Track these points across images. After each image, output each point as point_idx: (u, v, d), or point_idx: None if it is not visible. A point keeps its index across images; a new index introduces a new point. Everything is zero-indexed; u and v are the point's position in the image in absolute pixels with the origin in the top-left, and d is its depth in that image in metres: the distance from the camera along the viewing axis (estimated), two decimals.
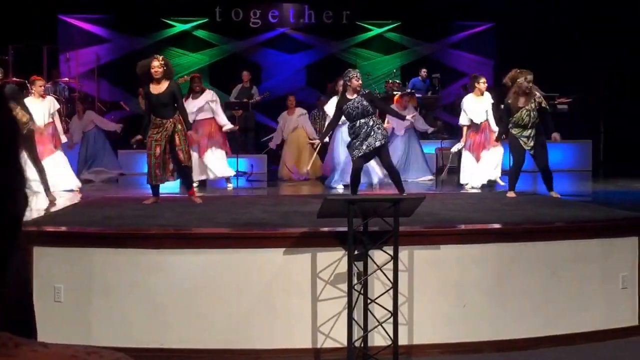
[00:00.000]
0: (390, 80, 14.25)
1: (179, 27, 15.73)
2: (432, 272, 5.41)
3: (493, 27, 15.97)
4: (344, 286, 5.06)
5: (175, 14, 15.59)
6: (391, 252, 4.94)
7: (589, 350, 5.49)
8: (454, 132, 13.40)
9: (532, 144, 7.93)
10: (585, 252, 5.70)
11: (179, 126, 7.19)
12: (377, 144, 7.33)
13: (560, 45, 13.72)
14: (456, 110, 13.66)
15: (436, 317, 5.41)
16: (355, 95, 7.47)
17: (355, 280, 4.96)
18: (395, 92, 13.65)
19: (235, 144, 12.14)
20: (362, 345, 5.06)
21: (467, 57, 16.02)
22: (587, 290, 5.68)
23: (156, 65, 7.12)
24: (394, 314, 4.96)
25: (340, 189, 9.63)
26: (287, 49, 15.98)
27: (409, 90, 13.62)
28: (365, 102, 7.41)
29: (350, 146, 7.61)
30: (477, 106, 9.40)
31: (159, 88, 7.18)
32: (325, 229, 5.41)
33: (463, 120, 9.53)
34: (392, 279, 4.96)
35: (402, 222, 5.03)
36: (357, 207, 4.86)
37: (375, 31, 16.31)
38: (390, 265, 4.96)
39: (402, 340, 5.15)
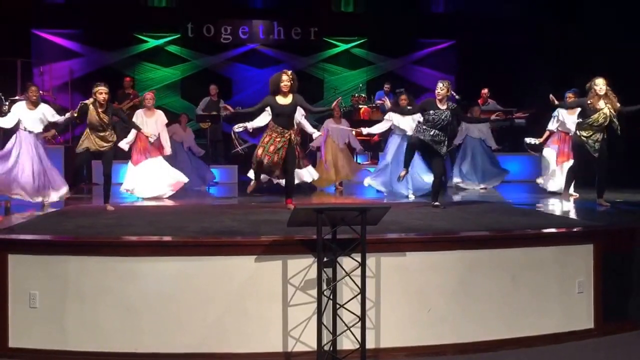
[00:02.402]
0: (356, 94, 14.56)
1: (151, 43, 15.91)
2: (398, 278, 5.56)
3: (454, 45, 16.51)
4: (314, 292, 5.20)
5: (148, 30, 15.78)
6: (359, 259, 5.09)
7: (548, 352, 5.69)
8: None
9: (597, 147, 8.22)
10: (543, 258, 5.90)
11: (297, 138, 7.85)
12: (441, 150, 7.95)
13: (517, 62, 14.16)
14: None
15: (402, 321, 5.56)
16: (445, 107, 7.93)
17: (324, 286, 5.09)
18: (361, 106, 13.99)
19: (205, 156, 12.30)
20: (331, 349, 5.19)
21: (429, 72, 16.47)
22: (545, 294, 5.88)
23: (285, 79, 7.63)
24: (362, 318, 5.10)
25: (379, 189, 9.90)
26: (257, 64, 16.23)
27: (375, 104, 13.96)
28: (450, 118, 7.94)
29: (418, 129, 8.12)
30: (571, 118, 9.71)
31: (285, 100, 7.68)
32: (296, 237, 5.53)
33: (551, 125, 10.03)
34: (359, 285, 5.10)
35: (369, 230, 5.19)
36: (325, 215, 4.99)
37: (342, 47, 16.66)
38: (358, 271, 5.10)
39: (370, 344, 5.31)
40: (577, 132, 8.36)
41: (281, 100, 7.73)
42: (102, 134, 7.77)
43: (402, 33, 16.04)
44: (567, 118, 9.78)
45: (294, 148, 7.77)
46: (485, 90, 13.60)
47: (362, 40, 16.67)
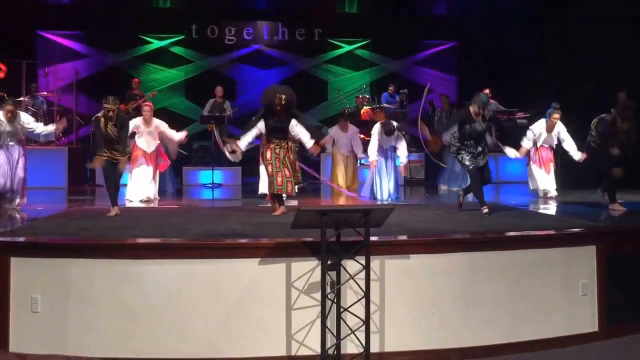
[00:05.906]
0: (360, 95, 14.57)
1: (156, 44, 15.94)
2: (403, 281, 5.55)
3: (455, 46, 16.55)
4: (318, 295, 5.19)
5: (153, 31, 15.81)
6: (363, 262, 5.07)
7: (552, 355, 5.70)
8: (421, 145, 13.66)
9: None
10: (547, 260, 5.90)
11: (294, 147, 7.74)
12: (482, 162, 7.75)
13: (519, 62, 14.15)
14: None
15: (406, 325, 5.55)
16: (479, 117, 7.66)
17: (328, 289, 5.08)
18: (365, 106, 13.99)
19: (209, 157, 12.29)
20: (335, 352, 5.17)
21: (431, 73, 16.51)
22: (549, 297, 5.87)
23: (277, 102, 7.50)
24: (366, 322, 5.10)
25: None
26: (261, 65, 16.25)
27: (379, 105, 13.96)
28: (486, 127, 7.75)
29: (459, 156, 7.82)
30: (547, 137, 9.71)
31: (280, 116, 7.58)
32: (299, 239, 5.51)
33: (526, 144, 9.70)
34: (364, 288, 5.09)
35: (374, 232, 5.18)
36: (329, 217, 4.99)
37: (346, 48, 16.68)
38: (362, 274, 5.08)
39: (374, 348, 5.30)
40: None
41: (277, 116, 7.58)
42: (113, 146, 7.62)
43: (405, 34, 16.08)
44: (543, 135, 9.72)
45: (292, 155, 7.63)
46: (487, 91, 13.57)
47: (365, 42, 16.68)
